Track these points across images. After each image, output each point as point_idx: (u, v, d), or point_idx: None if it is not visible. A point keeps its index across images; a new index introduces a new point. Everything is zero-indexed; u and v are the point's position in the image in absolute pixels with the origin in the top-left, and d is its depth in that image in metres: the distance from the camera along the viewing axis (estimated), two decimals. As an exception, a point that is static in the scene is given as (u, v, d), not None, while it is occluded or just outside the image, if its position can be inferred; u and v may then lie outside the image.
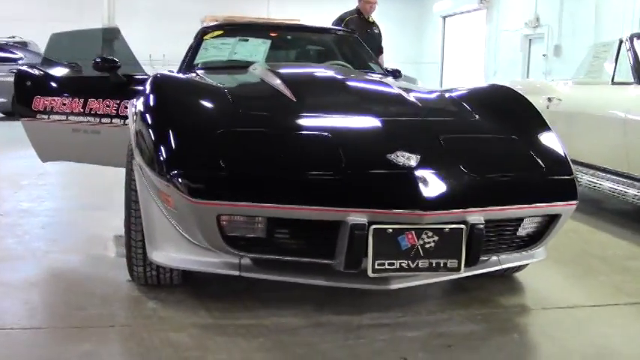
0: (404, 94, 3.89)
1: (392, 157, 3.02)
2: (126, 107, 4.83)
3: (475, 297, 3.63)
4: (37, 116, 5.07)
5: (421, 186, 2.90)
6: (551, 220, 3.26)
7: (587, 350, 3.10)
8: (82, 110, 4.99)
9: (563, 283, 4.00)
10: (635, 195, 5.13)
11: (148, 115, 3.33)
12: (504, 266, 3.39)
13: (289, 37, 5.96)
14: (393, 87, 4.07)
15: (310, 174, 2.99)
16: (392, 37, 7.17)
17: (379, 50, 7.60)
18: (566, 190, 3.25)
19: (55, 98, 5.05)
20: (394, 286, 3.11)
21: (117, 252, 4.29)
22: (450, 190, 2.98)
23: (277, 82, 3.91)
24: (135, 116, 3.46)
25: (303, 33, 6.21)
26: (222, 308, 3.33)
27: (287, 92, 3.71)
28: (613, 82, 5.95)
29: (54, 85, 5.14)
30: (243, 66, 4.96)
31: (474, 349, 3.06)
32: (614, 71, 5.97)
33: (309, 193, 2.91)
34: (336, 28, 6.35)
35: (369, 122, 3.40)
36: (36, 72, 5.26)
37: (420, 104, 3.77)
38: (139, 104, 3.52)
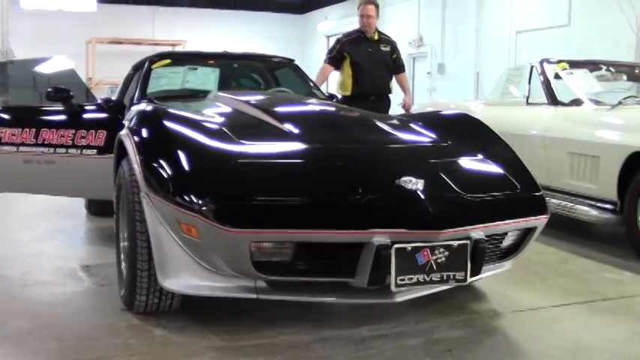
0: (380, 122, 4.18)
1: (400, 182, 3.29)
2: (82, 137, 4.88)
3: (450, 305, 3.92)
4: None
5: (432, 208, 3.20)
6: (527, 233, 3.61)
7: (566, 345, 3.46)
8: (34, 141, 4.97)
9: (519, 288, 4.33)
10: (558, 204, 5.58)
11: (158, 149, 3.47)
12: (484, 275, 3.68)
13: (235, 65, 6.12)
14: (367, 115, 4.36)
15: (334, 199, 3.22)
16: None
17: (396, 69, 7.23)
18: (540, 206, 3.65)
19: (4, 129, 5.02)
20: (399, 299, 3.36)
21: (93, 282, 4.33)
22: (455, 210, 3.31)
23: (256, 111, 4.12)
24: (137, 149, 3.55)
25: (248, 61, 6.37)
26: (229, 331, 3.47)
27: (273, 121, 3.92)
28: (528, 103, 6.46)
29: (2, 115, 5.12)
30: (197, 95, 5.11)
31: (472, 351, 3.37)
32: (529, 93, 6.49)
33: (335, 218, 3.15)
34: (276, 56, 6.47)
35: (365, 150, 3.68)
36: None
37: (396, 131, 4.07)
38: (141, 137, 3.63)
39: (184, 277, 3.36)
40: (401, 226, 3.13)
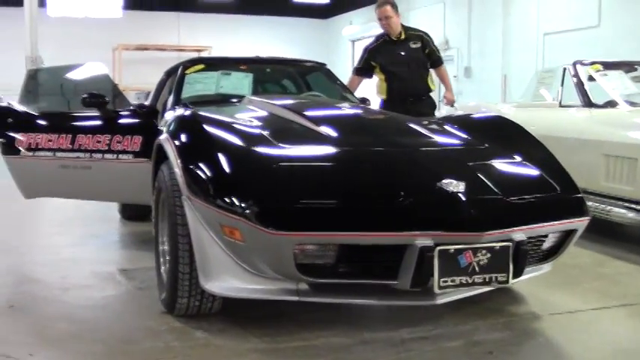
0: (416, 126, 4.20)
1: (441, 184, 3.30)
2: (118, 142, 4.92)
3: (487, 308, 3.92)
4: (21, 153, 5.08)
5: (474, 210, 3.22)
6: (566, 235, 3.60)
7: (605, 348, 3.46)
8: (70, 146, 5.01)
9: (556, 291, 4.31)
10: (593, 207, 5.54)
11: (200, 153, 3.50)
12: (525, 277, 3.68)
13: (268, 69, 6.15)
14: (405, 119, 4.38)
15: (377, 202, 3.24)
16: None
17: (433, 64, 6.72)
18: (580, 208, 3.64)
19: (40, 135, 5.06)
20: (440, 301, 3.36)
21: (132, 286, 4.37)
22: (497, 212, 3.32)
23: (292, 115, 4.16)
24: (178, 154, 3.58)
25: (280, 66, 6.40)
26: (269, 333, 3.49)
27: (311, 125, 3.94)
28: (561, 105, 6.43)
29: (38, 121, 5.16)
30: (232, 100, 5.14)
31: (513, 354, 3.37)
32: (561, 95, 6.46)
33: (379, 220, 3.17)
34: (307, 60, 6.47)
35: (406, 153, 3.69)
36: (17, 108, 5.26)
37: (431, 134, 4.09)
38: (182, 142, 3.66)
39: (226, 279, 3.38)
40: (443, 228, 3.14)
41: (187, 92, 5.32)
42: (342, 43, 22.31)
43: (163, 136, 3.91)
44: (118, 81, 19.30)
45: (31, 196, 5.35)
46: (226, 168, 3.32)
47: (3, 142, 5.16)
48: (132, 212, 6.42)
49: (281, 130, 3.94)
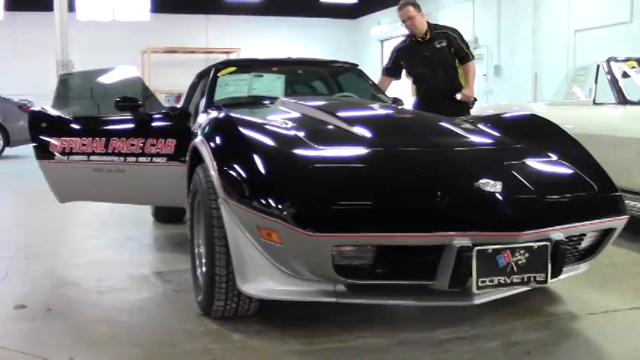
0: (450, 125, 4.18)
1: (479, 184, 3.28)
2: (152, 145, 4.94)
3: (525, 308, 3.89)
4: (56, 157, 5.12)
5: (512, 209, 3.20)
6: (605, 234, 3.56)
7: (646, 348, 3.42)
8: (104, 150, 5.04)
9: (593, 290, 4.27)
10: (629, 205, 5.48)
11: (236, 155, 3.50)
12: (562, 276, 3.65)
13: (300, 71, 6.15)
14: (439, 119, 4.36)
15: (415, 203, 3.23)
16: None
17: (460, 61, 6.47)
18: (618, 206, 3.60)
19: (74, 139, 5.09)
20: (478, 301, 3.34)
21: (168, 288, 4.38)
22: (535, 212, 3.30)
23: (327, 116, 4.15)
24: (214, 156, 3.59)
25: (312, 67, 6.40)
26: (307, 335, 3.49)
27: (346, 126, 3.94)
28: (595, 103, 6.36)
29: (72, 125, 5.19)
30: (264, 102, 5.15)
31: (552, 354, 3.35)
32: (595, 92, 6.40)
33: (417, 221, 3.16)
34: (339, 61, 6.44)
35: (441, 153, 3.67)
36: (51, 112, 5.30)
37: (466, 134, 4.06)
38: (217, 144, 3.67)
39: (263, 281, 3.39)
40: (481, 228, 3.12)
41: (220, 94, 5.32)
42: (370, 43, 22.30)
43: (198, 139, 3.92)
44: (147, 84, 19.41)
45: (65, 200, 5.40)
46: (262, 169, 3.32)
47: (37, 146, 5.20)
48: (165, 215, 6.45)
49: (315, 131, 3.93)
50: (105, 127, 5.20)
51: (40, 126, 5.21)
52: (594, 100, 6.40)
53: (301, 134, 3.76)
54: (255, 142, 3.58)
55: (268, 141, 3.61)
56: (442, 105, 6.02)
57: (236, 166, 3.43)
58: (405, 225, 3.12)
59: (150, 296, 4.26)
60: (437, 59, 6.43)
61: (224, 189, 3.42)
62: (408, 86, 6.81)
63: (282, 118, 4.23)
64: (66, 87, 5.81)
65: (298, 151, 3.52)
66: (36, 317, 3.85)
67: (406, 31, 6.65)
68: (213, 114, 4.19)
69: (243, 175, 3.36)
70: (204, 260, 3.69)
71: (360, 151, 3.65)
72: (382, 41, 21.78)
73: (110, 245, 5.73)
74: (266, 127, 3.84)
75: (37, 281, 4.59)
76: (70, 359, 3.23)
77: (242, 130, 3.67)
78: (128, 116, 5.09)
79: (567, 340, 3.55)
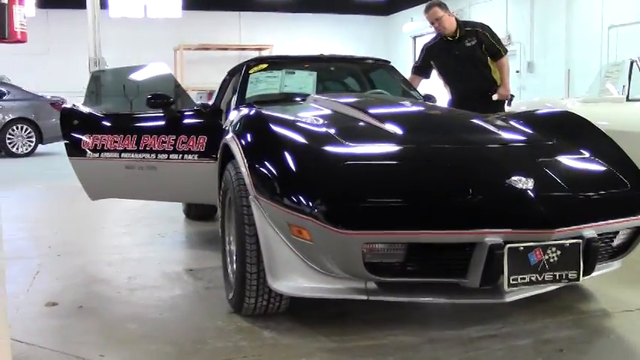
0: (482, 122, 4.16)
1: (511, 181, 3.26)
2: (183, 142, 4.96)
3: (556, 306, 3.86)
4: (87, 155, 5.17)
5: (544, 207, 3.17)
6: (637, 232, 3.54)
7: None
8: (135, 147, 5.08)
9: (625, 288, 4.23)
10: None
11: (266, 152, 3.51)
12: (595, 274, 3.61)
13: (332, 68, 6.14)
14: (470, 116, 4.34)
15: (446, 200, 3.22)
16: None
17: (492, 57, 6.37)
18: None
19: (106, 136, 5.14)
20: (509, 299, 3.32)
21: (199, 286, 4.40)
22: (567, 209, 3.28)
23: (358, 113, 4.14)
24: (245, 153, 3.60)
25: (344, 64, 6.38)
26: (337, 332, 3.49)
27: (377, 123, 3.93)
28: (628, 99, 6.29)
29: (104, 122, 5.24)
30: (296, 99, 5.15)
31: (584, 352, 3.32)
32: (629, 89, 6.33)
33: (448, 218, 3.14)
34: (371, 57, 6.38)
35: (473, 150, 3.65)
36: (82, 110, 5.34)
37: (498, 131, 4.04)
38: (248, 141, 3.68)
39: (294, 279, 3.39)
40: (513, 226, 3.10)
41: (251, 91, 5.33)
42: (402, 40, 22.22)
43: (229, 136, 3.93)
44: (179, 81, 19.46)
45: (96, 198, 5.44)
46: (293, 167, 3.33)
47: (69, 143, 5.26)
48: (197, 212, 6.49)
49: (346, 128, 3.93)
50: (136, 124, 5.24)
51: (72, 123, 5.27)
52: (627, 96, 6.33)
53: (332, 131, 3.76)
54: (285, 139, 3.59)
55: (299, 138, 3.62)
56: (477, 103, 5.91)
57: (267, 164, 3.44)
58: (436, 222, 3.11)
59: (181, 294, 4.27)
60: (468, 58, 6.36)
61: (255, 186, 3.43)
62: (441, 84, 6.76)
63: (313, 114, 4.23)
64: (98, 84, 5.85)
65: (329, 149, 3.52)
66: (67, 315, 3.88)
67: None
68: (244, 111, 4.19)
69: (274, 172, 3.37)
70: (235, 258, 3.70)
71: (391, 148, 3.64)
72: (414, 37, 21.71)
73: (142, 242, 5.77)
74: (297, 124, 3.84)
75: (68, 279, 4.63)
76: (101, 357, 3.25)
77: (273, 127, 3.67)
78: (159, 113, 5.12)
79: (600, 338, 3.51)
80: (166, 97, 5.02)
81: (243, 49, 20.77)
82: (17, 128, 14.36)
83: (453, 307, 3.82)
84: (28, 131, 14.34)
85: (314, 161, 3.41)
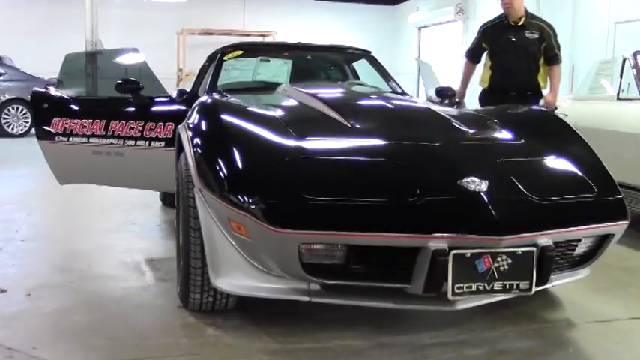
0: (450, 118, 3.97)
1: (463, 183, 3.10)
2: (151, 129, 4.83)
3: (520, 312, 3.71)
4: (56, 139, 5.04)
5: (495, 211, 2.99)
6: (603, 240, 3.36)
7: (640, 362, 3.21)
8: (104, 132, 4.96)
9: (597, 296, 4.08)
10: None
11: (212, 143, 3.37)
12: (556, 283, 3.46)
13: (308, 57, 6.00)
14: (437, 111, 4.15)
15: (390, 201, 3.04)
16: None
17: (547, 61, 5.99)
18: (618, 211, 3.37)
19: (75, 120, 5.02)
20: (460, 306, 3.17)
21: (155, 277, 4.27)
22: (521, 214, 3.10)
23: (321, 105, 3.98)
24: (192, 143, 3.46)
25: (321, 52, 6.23)
26: (283, 332, 3.35)
27: (337, 117, 3.77)
28: (619, 98, 6.09)
29: (73, 106, 5.11)
30: (269, 87, 5.00)
31: (538, 365, 3.14)
32: (620, 87, 6.13)
33: (391, 221, 2.97)
34: (350, 47, 6.25)
35: (429, 148, 3.47)
36: (54, 93, 5.22)
37: (466, 128, 3.85)
38: (196, 130, 3.54)
39: (236, 276, 3.25)
40: (459, 231, 2.94)
41: (223, 79, 5.20)
42: (408, 31, 21.95)
43: (181, 124, 3.80)
44: (181, 66, 19.40)
45: (64, 182, 5.31)
46: (236, 160, 3.17)
47: (38, 126, 5.15)
48: (173, 199, 6.33)
49: (304, 121, 3.79)
50: (106, 109, 5.10)
51: (42, 106, 5.14)
52: (618, 95, 6.13)
53: (287, 123, 3.61)
54: (233, 129, 3.44)
55: (249, 129, 3.48)
56: (514, 99, 5.58)
57: (211, 155, 3.30)
58: (375, 224, 2.95)
59: (135, 285, 4.14)
60: (523, 50, 5.94)
61: (199, 178, 3.29)
62: (478, 73, 6.33)
63: (276, 105, 4.11)
64: (71, 67, 5.70)
65: (278, 142, 3.37)
66: (13, 303, 3.76)
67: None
68: (202, 99, 4.05)
69: (217, 164, 3.21)
70: (180, 251, 3.56)
71: (346, 143, 3.49)
72: (420, 28, 21.46)
73: (111, 229, 5.66)
74: (252, 114, 3.71)
75: (24, 266, 4.51)
76: (33, 349, 3.12)
77: (223, 116, 3.53)
78: (129, 99, 4.98)
79: (559, 350, 3.33)
80: (136, 82, 4.88)
81: (247, 35, 20.51)
82: (13, 109, 14.26)
83: (410, 311, 3.67)
84: (23, 112, 14.24)
85: (258, 155, 3.26)
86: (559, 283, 3.53)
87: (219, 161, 3.21)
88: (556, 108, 5.99)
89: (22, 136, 14.23)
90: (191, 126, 3.62)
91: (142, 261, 4.64)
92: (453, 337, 3.38)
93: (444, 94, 5.70)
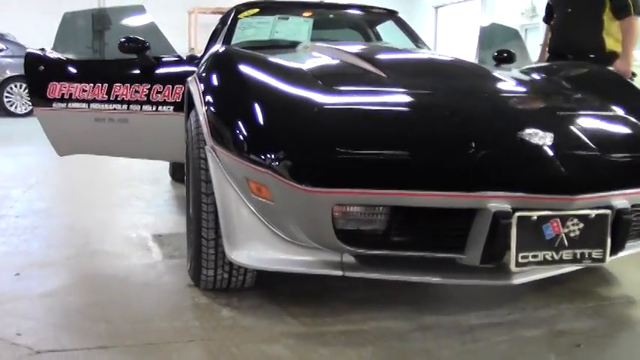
0: (495, 71, 3.52)
1: (524, 134, 2.62)
2: (158, 92, 4.38)
3: (573, 289, 3.27)
4: (54, 105, 4.60)
5: (565, 167, 2.53)
6: None
7: None
8: (106, 97, 4.52)
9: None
10: None
11: (228, 95, 2.91)
12: (625, 253, 2.97)
13: (331, 15, 5.52)
14: (479, 65, 3.69)
15: (441, 155, 2.57)
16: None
17: (616, 13, 4.82)
18: None
19: (74, 84, 4.57)
20: (517, 280, 2.70)
21: (163, 254, 3.82)
22: (594, 172, 2.62)
23: (352, 58, 3.53)
24: (204, 96, 3.00)
25: (345, 11, 5.74)
26: (308, 313, 2.90)
27: (372, 68, 3.31)
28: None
29: (72, 69, 4.65)
30: (288, 46, 4.54)
31: (605, 347, 2.71)
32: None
33: (441, 177, 2.50)
34: (377, 7, 5.77)
35: (480, 98, 3.02)
36: (50, 55, 4.76)
37: (514, 81, 3.38)
38: (209, 82, 3.07)
39: (256, 248, 2.78)
40: (525, 189, 2.46)
41: (238, 38, 4.74)
42: (424, 10, 21.40)
43: (191, 77, 3.34)
44: (193, 44, 18.94)
45: (63, 153, 4.86)
46: (256, 109, 2.69)
47: (34, 92, 4.70)
48: (183, 174, 5.89)
49: (333, 71, 3.35)
50: (108, 72, 4.65)
51: (38, 69, 4.67)
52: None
53: (310, 72, 3.15)
54: (252, 80, 2.97)
55: (270, 80, 3.00)
56: None
57: (226, 107, 2.85)
58: (425, 181, 2.46)
59: (140, 262, 3.69)
60: (586, 2, 4.98)
61: (212, 134, 2.84)
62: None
63: (298, 58, 3.63)
64: (70, 27, 5.22)
65: (304, 92, 2.89)
66: None
67: None
68: (214, 49, 3.59)
69: (233, 116, 2.75)
70: (191, 221, 3.11)
71: (383, 93, 3.02)
72: (437, 8, 20.94)
73: (115, 204, 5.23)
74: (273, 65, 3.24)
75: (16, 243, 4.06)
76: (17, 335, 2.67)
77: (239, 66, 3.05)
78: (134, 60, 4.52)
79: (623, 331, 2.88)
80: (142, 41, 4.42)
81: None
82: (16, 86, 13.71)
83: (454, 287, 3.22)
84: (27, 90, 13.74)
85: (281, 105, 2.78)
86: (625, 254, 3.03)
87: (236, 113, 2.75)
88: (634, 75, 4.92)
89: (26, 115, 13.68)
90: (203, 78, 3.15)
91: (149, 237, 4.20)
92: (504, 317, 2.93)
93: (502, 59, 4.84)
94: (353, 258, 2.72)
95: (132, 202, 5.31)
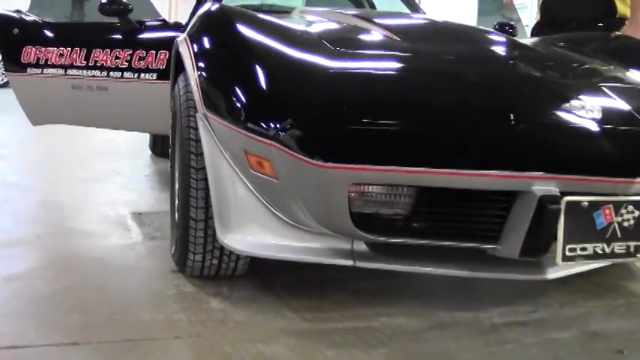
0: (517, 41, 3.17)
1: (570, 106, 2.27)
2: (141, 58, 4.04)
3: (597, 283, 2.95)
4: (28, 70, 4.31)
5: (620, 145, 2.19)
6: None
7: None
8: (84, 62, 4.22)
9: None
10: None
11: (226, 56, 2.54)
12: None
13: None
14: (493, 32, 3.35)
15: (477, 128, 2.21)
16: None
17: None
18: None
19: (50, 48, 4.28)
20: (551, 275, 2.38)
21: (143, 234, 3.47)
22: None
23: (357, 20, 3.18)
24: (196, 58, 2.63)
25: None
26: (310, 307, 2.56)
27: (382, 31, 2.95)
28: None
29: (48, 32, 4.34)
30: (281, 11, 4.18)
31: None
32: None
33: (476, 153, 2.14)
34: None
35: (510, 65, 2.68)
36: (25, 17, 4.42)
37: (544, 50, 3.04)
38: (202, 42, 2.70)
39: (253, 232, 2.42)
40: (575, 170, 2.12)
41: (228, 3, 4.37)
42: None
43: (180, 37, 2.98)
44: (174, 17, 18.49)
45: (38, 123, 4.55)
46: (260, 72, 2.33)
47: (7, 56, 4.41)
48: (164, 148, 5.56)
49: (338, 31, 3.01)
50: (87, 36, 4.34)
51: (11, 32, 4.36)
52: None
53: (317, 34, 2.80)
54: (251, 39, 2.59)
55: (272, 39, 2.63)
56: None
57: (222, 70, 2.48)
58: (458, 158, 2.11)
59: (118, 243, 3.33)
60: None
61: (204, 101, 2.48)
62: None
63: (299, 21, 3.28)
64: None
65: (312, 55, 2.52)
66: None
67: None
68: (205, 6, 3.24)
69: (230, 82, 2.39)
70: (177, 199, 2.75)
71: (399, 56, 2.67)
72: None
73: (93, 179, 4.88)
74: (273, 23, 2.88)
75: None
76: (-24, 327, 2.31)
77: (238, 24, 2.68)
78: (115, 23, 4.18)
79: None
80: (124, 3, 4.10)
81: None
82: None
83: (463, 279, 2.89)
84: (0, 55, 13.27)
85: (288, 65, 2.43)
86: None
87: (235, 75, 2.39)
88: None
89: (3, 86, 13.23)
90: (195, 38, 2.78)
91: (128, 215, 3.85)
92: (528, 315, 2.59)
93: (504, 30, 4.46)
94: (365, 246, 2.37)
95: (110, 176, 4.97)
